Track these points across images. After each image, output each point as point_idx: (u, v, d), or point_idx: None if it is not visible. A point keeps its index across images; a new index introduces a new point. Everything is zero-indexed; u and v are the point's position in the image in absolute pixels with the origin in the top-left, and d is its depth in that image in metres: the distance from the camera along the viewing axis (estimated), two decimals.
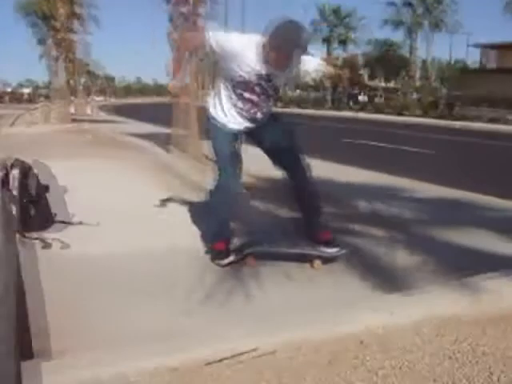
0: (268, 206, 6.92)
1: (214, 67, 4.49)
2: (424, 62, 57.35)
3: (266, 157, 4.91)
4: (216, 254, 4.85)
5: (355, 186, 8.68)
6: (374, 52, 73.55)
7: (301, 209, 5.03)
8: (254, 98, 4.48)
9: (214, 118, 4.63)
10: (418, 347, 3.33)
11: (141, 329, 3.47)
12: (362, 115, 38.59)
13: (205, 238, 5.37)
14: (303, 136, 5.88)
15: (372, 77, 79.44)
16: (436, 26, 49.03)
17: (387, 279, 4.48)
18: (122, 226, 6.05)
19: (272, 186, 7.48)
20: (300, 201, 4.99)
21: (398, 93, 53.32)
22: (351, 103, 50.72)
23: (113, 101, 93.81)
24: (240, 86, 4.41)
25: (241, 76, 4.33)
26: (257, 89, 4.42)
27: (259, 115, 4.60)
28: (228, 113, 4.56)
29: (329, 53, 55.33)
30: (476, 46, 61.80)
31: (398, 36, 73.23)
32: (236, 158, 4.71)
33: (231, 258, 4.77)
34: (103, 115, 38.84)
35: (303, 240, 4.95)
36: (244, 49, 4.21)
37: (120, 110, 47.67)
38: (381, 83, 75.78)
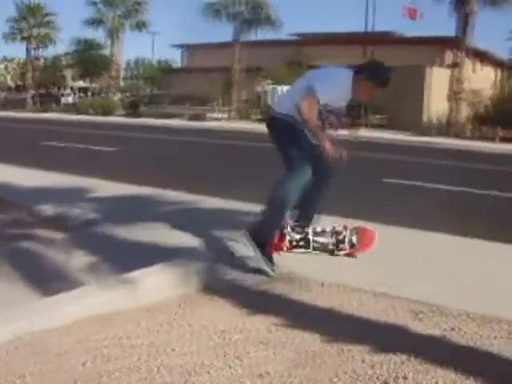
0: None
1: None
2: (128, 62, 57.62)
3: None
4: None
5: (42, 189, 8.34)
6: (77, 52, 72.29)
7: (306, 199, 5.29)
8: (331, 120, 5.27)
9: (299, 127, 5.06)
10: (71, 348, 3.23)
11: None
12: (65, 117, 37.76)
13: None
14: None
15: (76, 77, 78.10)
16: (137, 26, 49.35)
17: (52, 281, 4.37)
18: None
19: None
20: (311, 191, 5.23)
21: (102, 93, 53.04)
22: (54, 105, 49.41)
23: None
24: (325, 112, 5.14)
25: (331, 107, 5.13)
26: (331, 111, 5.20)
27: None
28: None
29: (29, 52, 53.11)
30: (176, 46, 63.94)
31: (100, 36, 72.62)
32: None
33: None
34: None
35: None
36: (340, 93, 5.12)
37: None
38: (86, 84, 74.89)
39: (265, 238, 4.97)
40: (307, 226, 5.38)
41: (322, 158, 5.03)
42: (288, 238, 5.28)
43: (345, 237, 5.33)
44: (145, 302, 3.92)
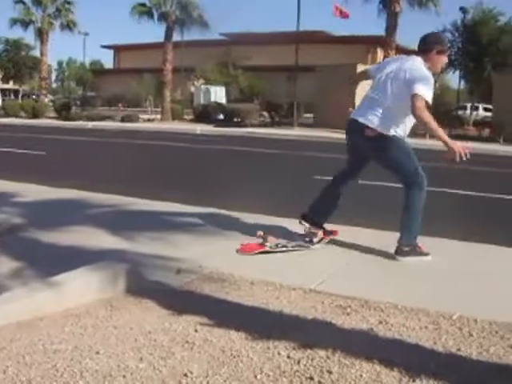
0: None
1: None
2: (60, 63, 56.57)
3: None
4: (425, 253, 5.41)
5: None
6: (6, 53, 70.68)
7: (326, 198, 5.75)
8: None
9: (394, 135, 5.28)
10: None
11: None
12: None
13: None
14: None
15: (5, 79, 76.35)
16: (67, 26, 48.44)
17: None
18: None
19: None
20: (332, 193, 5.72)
21: (33, 95, 52.09)
22: None
23: None
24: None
25: None
26: None
27: None
28: (405, 131, 5.41)
29: None
30: (108, 47, 63.33)
31: (29, 36, 71.11)
32: None
33: None
34: None
35: None
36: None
37: None
38: (16, 86, 73.34)
39: (415, 241, 5.42)
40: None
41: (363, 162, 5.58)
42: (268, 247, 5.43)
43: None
44: (70, 306, 3.83)
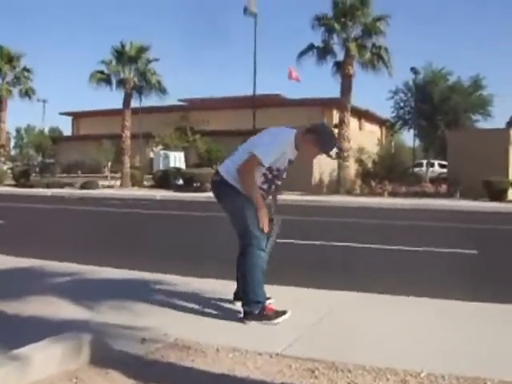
0: None
1: None
2: (19, 130, 56.31)
3: None
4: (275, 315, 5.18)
5: None
6: None
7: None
8: (274, 180, 5.33)
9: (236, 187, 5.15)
10: None
11: None
12: None
13: None
14: None
15: None
16: (26, 94, 48.38)
17: None
18: None
19: None
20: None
21: None
22: None
23: None
24: (270, 171, 5.21)
25: (277, 167, 5.23)
26: (277, 173, 5.29)
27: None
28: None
29: None
30: (66, 114, 63.29)
31: None
32: None
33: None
34: None
35: None
36: (284, 152, 5.17)
37: None
38: None
39: (256, 307, 5.18)
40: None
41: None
42: None
43: None
44: (34, 379, 3.72)
